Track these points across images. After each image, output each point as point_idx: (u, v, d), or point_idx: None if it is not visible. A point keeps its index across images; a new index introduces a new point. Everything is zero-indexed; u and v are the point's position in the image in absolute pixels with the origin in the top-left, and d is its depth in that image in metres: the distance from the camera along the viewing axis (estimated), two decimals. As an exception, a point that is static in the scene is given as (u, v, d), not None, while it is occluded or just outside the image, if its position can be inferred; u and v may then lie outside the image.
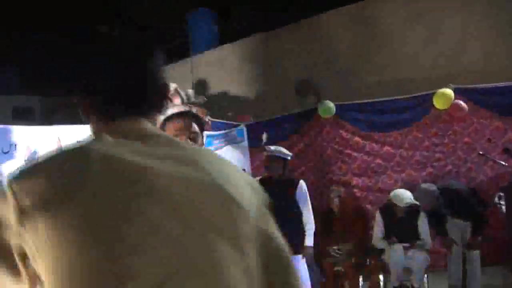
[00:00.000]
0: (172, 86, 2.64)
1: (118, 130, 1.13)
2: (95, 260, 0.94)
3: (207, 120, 2.63)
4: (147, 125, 1.17)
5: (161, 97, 1.24)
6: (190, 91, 2.79)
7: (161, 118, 2.28)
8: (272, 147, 5.15)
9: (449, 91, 6.08)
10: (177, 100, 2.52)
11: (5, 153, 5.57)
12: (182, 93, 2.69)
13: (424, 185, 5.80)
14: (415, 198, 5.66)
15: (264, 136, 5.27)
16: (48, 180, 0.99)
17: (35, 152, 5.54)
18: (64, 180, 0.99)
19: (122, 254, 0.94)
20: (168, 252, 0.97)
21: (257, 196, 1.21)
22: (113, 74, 1.19)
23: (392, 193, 5.87)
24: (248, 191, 1.17)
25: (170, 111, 2.32)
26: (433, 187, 5.67)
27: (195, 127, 2.33)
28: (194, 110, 2.64)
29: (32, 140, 5.69)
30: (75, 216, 0.95)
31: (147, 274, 0.94)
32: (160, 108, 1.24)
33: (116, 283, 0.93)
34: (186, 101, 2.71)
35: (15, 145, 5.60)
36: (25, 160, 5.43)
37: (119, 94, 1.18)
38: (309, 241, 4.81)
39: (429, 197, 5.60)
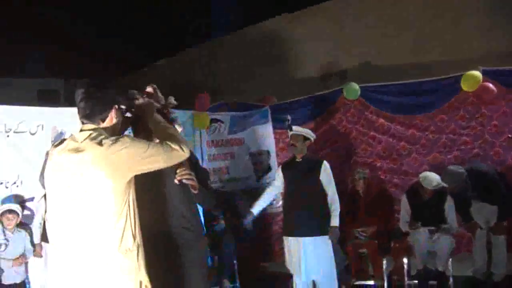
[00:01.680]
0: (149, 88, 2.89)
1: None
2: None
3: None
4: None
5: None
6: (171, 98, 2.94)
7: None
8: (299, 127, 5.14)
9: (477, 73, 5.95)
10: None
11: (33, 134, 5.64)
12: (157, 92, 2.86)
13: (452, 167, 5.72)
14: (443, 180, 5.59)
15: (289, 117, 5.26)
16: None
17: (61, 133, 5.61)
18: None
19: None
20: None
21: None
22: None
23: (421, 175, 5.82)
24: None
25: None
26: (461, 169, 5.60)
27: None
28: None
29: (58, 121, 5.76)
30: None
31: None
32: None
33: None
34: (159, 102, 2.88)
35: (42, 126, 5.68)
36: (52, 141, 5.51)
37: None
38: (335, 221, 4.81)
39: (457, 179, 5.52)
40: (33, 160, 5.42)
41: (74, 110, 5.48)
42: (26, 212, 5.43)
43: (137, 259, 2.35)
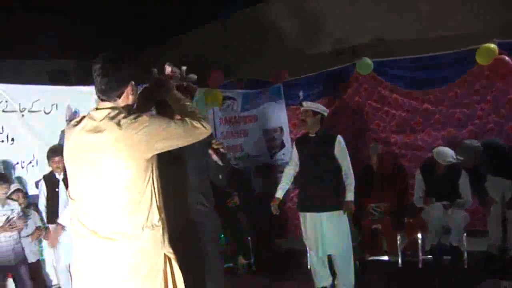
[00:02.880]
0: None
1: None
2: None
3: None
4: None
5: None
6: (183, 68, 2.92)
7: None
8: (309, 102, 5.10)
9: (493, 46, 5.86)
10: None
11: (47, 113, 5.68)
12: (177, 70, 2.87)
13: (467, 141, 5.68)
14: (458, 155, 5.56)
15: (301, 93, 5.24)
16: None
17: (75, 112, 5.63)
18: None
19: None
20: None
21: None
22: None
23: (434, 150, 5.78)
24: None
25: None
26: (476, 143, 5.55)
27: None
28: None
29: (72, 100, 5.78)
30: None
31: None
32: None
33: None
34: (180, 78, 2.89)
35: (56, 105, 5.71)
36: (66, 120, 5.54)
37: None
38: (349, 196, 4.80)
39: (472, 153, 5.48)
40: (48, 139, 5.46)
41: (88, 88, 5.50)
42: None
43: (162, 233, 2.39)
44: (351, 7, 8.16)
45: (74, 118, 2.59)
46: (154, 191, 2.37)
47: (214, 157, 3.02)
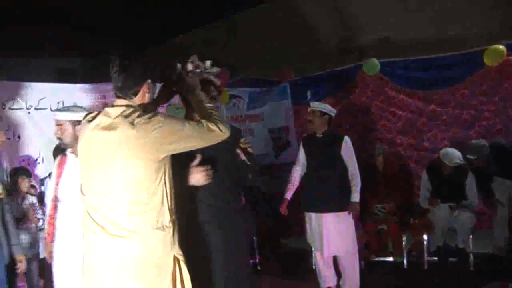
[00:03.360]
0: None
1: None
2: None
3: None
4: None
5: None
6: (208, 63, 2.89)
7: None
8: (316, 103, 5.09)
9: (501, 47, 5.84)
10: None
11: (53, 111, 5.68)
12: (201, 64, 2.84)
13: (474, 141, 5.68)
14: (465, 155, 5.54)
15: (309, 93, 5.23)
16: None
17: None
18: None
19: None
20: None
21: None
22: None
23: (441, 151, 5.76)
24: None
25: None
26: (483, 142, 5.56)
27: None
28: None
29: (78, 97, 5.81)
30: None
31: None
32: None
33: None
34: (203, 71, 2.87)
35: (62, 102, 5.73)
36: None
37: None
38: (355, 196, 4.77)
39: (480, 152, 5.47)
40: (54, 137, 5.47)
41: (93, 86, 5.50)
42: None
43: (172, 234, 2.38)
44: (357, 6, 8.14)
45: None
46: (166, 192, 2.36)
47: (242, 156, 3.02)
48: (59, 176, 3.55)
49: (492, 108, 6.19)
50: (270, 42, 9.12)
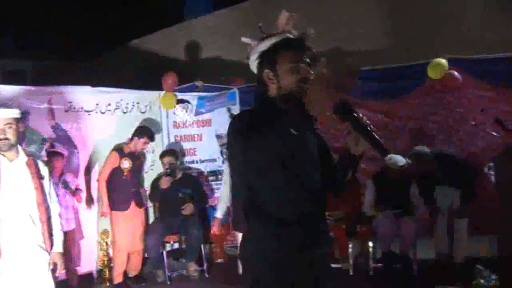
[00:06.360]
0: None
1: None
2: None
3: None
4: None
5: None
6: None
7: None
8: None
9: (443, 61, 6.04)
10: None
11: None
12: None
13: (418, 147, 5.83)
14: (409, 160, 5.70)
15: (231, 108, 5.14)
16: None
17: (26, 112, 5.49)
18: None
19: None
20: None
21: None
22: None
23: (387, 157, 5.87)
24: None
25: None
26: (426, 149, 5.73)
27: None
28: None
29: (23, 100, 5.64)
30: None
31: None
32: None
33: None
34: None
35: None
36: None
37: None
38: None
39: (423, 158, 5.63)
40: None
41: (41, 89, 5.32)
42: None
43: None
44: (312, 16, 8.26)
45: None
46: None
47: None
48: None
49: (436, 119, 6.38)
50: (223, 48, 9.15)
